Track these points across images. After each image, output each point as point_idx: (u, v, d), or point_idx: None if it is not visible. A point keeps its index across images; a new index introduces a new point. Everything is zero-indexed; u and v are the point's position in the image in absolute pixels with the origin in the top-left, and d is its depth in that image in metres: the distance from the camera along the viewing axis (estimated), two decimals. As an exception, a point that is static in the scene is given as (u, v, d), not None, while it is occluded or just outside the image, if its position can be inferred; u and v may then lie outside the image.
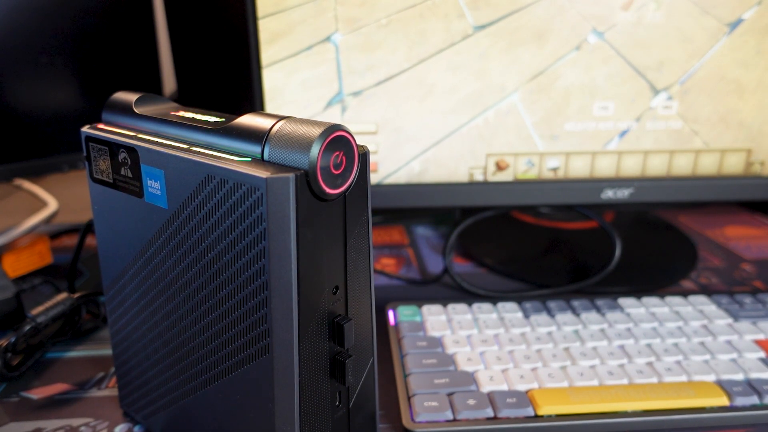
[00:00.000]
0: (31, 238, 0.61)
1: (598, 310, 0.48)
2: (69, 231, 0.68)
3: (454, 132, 0.52)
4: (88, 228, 0.53)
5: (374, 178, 0.53)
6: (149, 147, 0.29)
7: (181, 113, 0.31)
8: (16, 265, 0.57)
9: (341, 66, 0.50)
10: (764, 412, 0.38)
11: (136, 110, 0.32)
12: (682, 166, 0.54)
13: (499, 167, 0.53)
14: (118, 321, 0.36)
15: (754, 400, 0.38)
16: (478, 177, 0.54)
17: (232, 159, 0.26)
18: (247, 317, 0.27)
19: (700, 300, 0.49)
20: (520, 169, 0.53)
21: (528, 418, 0.37)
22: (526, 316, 0.47)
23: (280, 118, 0.26)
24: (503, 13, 0.48)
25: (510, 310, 0.48)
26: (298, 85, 0.50)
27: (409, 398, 0.39)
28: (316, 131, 0.24)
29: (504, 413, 0.37)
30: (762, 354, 0.42)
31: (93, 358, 0.46)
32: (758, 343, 0.44)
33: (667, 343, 0.44)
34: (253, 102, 0.51)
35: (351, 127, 0.51)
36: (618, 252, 0.54)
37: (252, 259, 0.25)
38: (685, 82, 0.51)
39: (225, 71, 0.71)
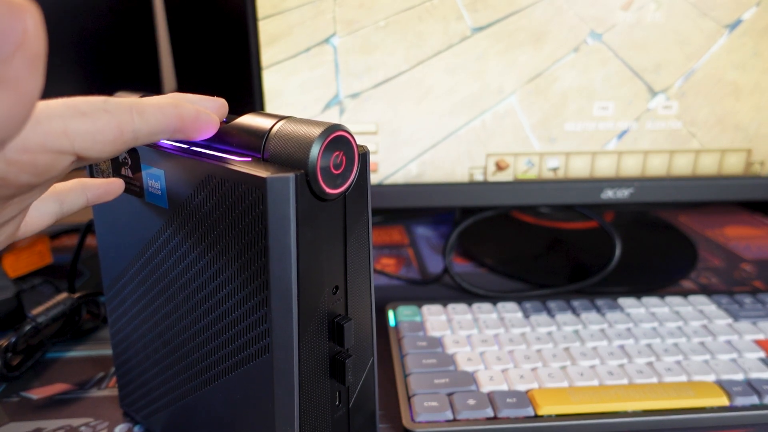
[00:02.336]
0: (31, 238, 0.61)
1: (598, 310, 0.48)
2: (69, 231, 0.68)
3: (451, 134, 0.52)
4: (88, 228, 0.53)
5: (375, 179, 0.53)
6: (149, 147, 0.29)
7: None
8: (16, 265, 0.57)
9: (339, 68, 0.50)
10: (764, 412, 0.38)
11: (136, 110, 0.32)
12: (682, 166, 0.54)
13: (499, 167, 0.53)
14: (118, 321, 0.36)
15: (754, 400, 0.38)
16: (478, 177, 0.54)
17: (232, 159, 0.26)
18: (247, 317, 0.27)
19: (700, 300, 0.49)
20: (520, 169, 0.53)
21: (528, 418, 0.37)
22: (526, 316, 0.47)
23: (280, 118, 0.26)
24: (501, 15, 0.49)
25: (510, 310, 0.48)
26: (296, 87, 0.50)
27: (409, 398, 0.39)
28: (316, 131, 0.25)
29: (504, 413, 0.37)
30: (762, 354, 0.42)
31: (93, 358, 0.46)
32: (758, 343, 0.44)
33: (667, 343, 0.44)
34: (253, 103, 0.51)
35: (350, 128, 0.51)
36: (618, 252, 0.54)
37: (252, 259, 0.25)
38: (683, 84, 0.51)
39: (225, 72, 0.71)
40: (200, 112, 0.25)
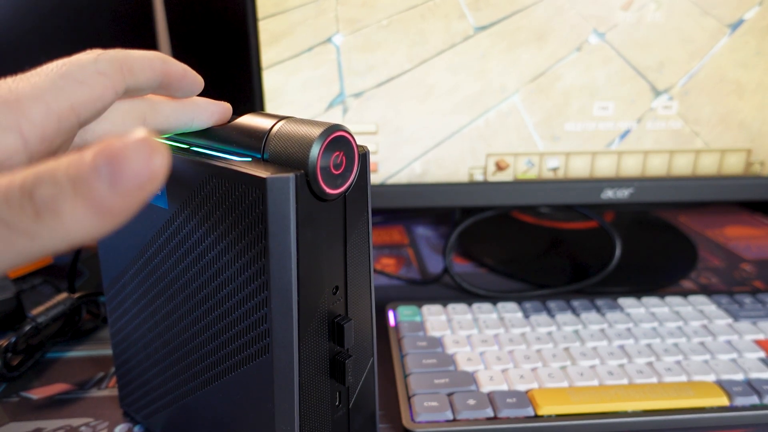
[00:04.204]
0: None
1: (598, 310, 0.48)
2: (69, 231, 0.68)
3: (455, 133, 0.52)
4: (88, 228, 0.53)
5: (375, 179, 0.53)
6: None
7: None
8: (16, 265, 0.57)
9: (342, 67, 0.50)
10: (764, 412, 0.38)
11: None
12: (682, 166, 0.54)
13: (499, 167, 0.53)
14: (118, 321, 0.36)
15: (754, 400, 0.38)
16: (478, 177, 0.54)
17: (232, 159, 0.26)
18: (247, 317, 0.27)
19: (700, 300, 0.49)
20: (520, 169, 0.53)
21: (528, 418, 0.37)
22: (526, 316, 0.47)
23: (281, 118, 0.26)
24: (504, 14, 0.49)
25: (510, 310, 0.48)
26: (299, 86, 0.50)
27: (409, 398, 0.39)
28: (316, 131, 0.24)
29: (504, 413, 0.37)
30: (762, 354, 0.42)
31: (93, 358, 0.46)
32: (758, 343, 0.44)
33: (667, 343, 0.44)
34: (253, 104, 0.51)
35: (352, 128, 0.51)
36: (618, 252, 0.54)
37: (252, 259, 0.25)
38: (686, 83, 0.51)
39: (225, 72, 0.71)
40: (187, 70, 0.25)
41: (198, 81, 0.26)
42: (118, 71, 0.22)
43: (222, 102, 0.28)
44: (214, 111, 0.27)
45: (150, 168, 0.16)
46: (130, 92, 0.23)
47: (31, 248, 0.16)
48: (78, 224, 0.15)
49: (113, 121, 0.24)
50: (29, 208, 0.15)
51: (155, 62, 0.24)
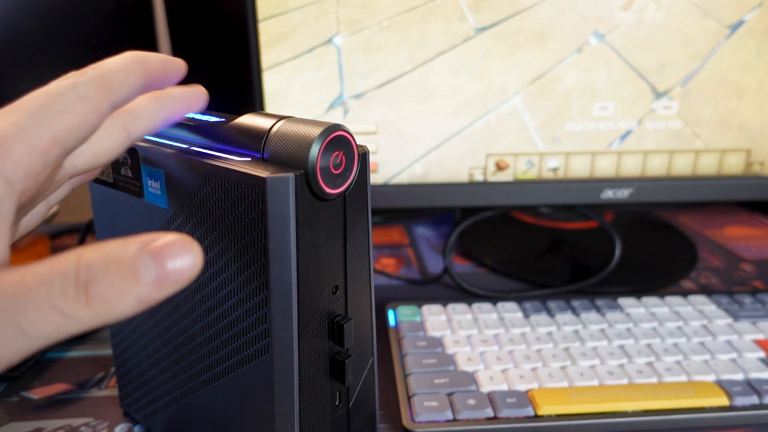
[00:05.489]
0: (31, 238, 0.61)
1: (598, 310, 0.48)
2: (69, 231, 0.68)
3: (456, 135, 0.52)
4: (88, 228, 0.53)
5: (376, 180, 0.53)
6: (149, 147, 0.29)
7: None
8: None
9: (343, 68, 0.50)
10: (764, 412, 0.38)
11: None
12: (682, 166, 0.54)
13: (499, 167, 0.53)
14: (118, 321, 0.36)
15: (754, 400, 0.38)
16: (478, 177, 0.54)
17: (232, 159, 0.26)
18: (247, 317, 0.27)
19: (700, 300, 0.49)
20: (519, 169, 0.53)
21: (528, 418, 0.37)
22: (526, 316, 0.47)
23: (280, 117, 0.26)
24: (504, 15, 0.49)
25: (510, 310, 0.48)
26: (299, 87, 0.50)
27: (409, 398, 0.39)
28: (316, 131, 0.25)
29: (504, 413, 0.37)
30: (762, 354, 0.42)
31: (93, 358, 0.46)
32: (758, 343, 0.44)
33: (667, 343, 0.44)
34: (254, 106, 0.51)
35: (352, 128, 0.51)
36: (618, 252, 0.54)
37: (252, 259, 0.26)
38: (686, 85, 0.51)
39: (225, 74, 0.71)
40: (165, 60, 0.24)
41: (179, 65, 0.25)
42: (99, 92, 0.21)
43: (194, 85, 0.27)
44: (191, 98, 0.26)
45: (188, 268, 0.18)
46: (116, 107, 0.22)
47: (75, 328, 0.17)
48: (120, 311, 0.18)
49: (98, 140, 0.23)
50: (84, 299, 0.17)
51: (134, 67, 0.23)
